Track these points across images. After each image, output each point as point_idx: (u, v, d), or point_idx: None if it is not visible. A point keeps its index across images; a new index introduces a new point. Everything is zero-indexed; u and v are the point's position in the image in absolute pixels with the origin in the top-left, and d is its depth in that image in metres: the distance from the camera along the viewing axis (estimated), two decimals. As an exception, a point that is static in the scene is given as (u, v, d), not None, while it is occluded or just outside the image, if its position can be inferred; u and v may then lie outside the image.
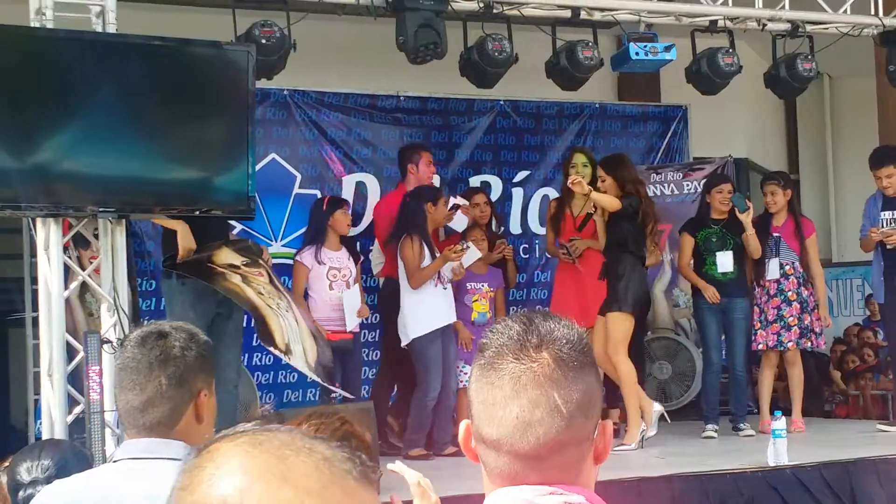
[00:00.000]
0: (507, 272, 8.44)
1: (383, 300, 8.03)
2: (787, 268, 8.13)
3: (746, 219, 7.97)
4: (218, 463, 1.08)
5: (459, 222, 8.18)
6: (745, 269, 8.16)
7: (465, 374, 7.75)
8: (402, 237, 7.49)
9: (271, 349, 6.48)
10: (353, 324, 7.44)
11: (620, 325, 7.39)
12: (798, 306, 8.10)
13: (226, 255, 6.36)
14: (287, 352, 6.42)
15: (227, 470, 1.07)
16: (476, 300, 7.90)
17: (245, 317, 6.82)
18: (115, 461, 2.44)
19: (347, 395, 7.23)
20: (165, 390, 2.38)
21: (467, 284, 7.88)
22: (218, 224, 6.60)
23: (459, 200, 8.19)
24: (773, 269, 8.09)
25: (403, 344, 7.51)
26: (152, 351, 2.41)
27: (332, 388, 7.00)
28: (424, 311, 7.44)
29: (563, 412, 1.56)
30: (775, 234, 8.15)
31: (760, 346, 8.16)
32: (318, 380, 6.78)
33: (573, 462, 1.59)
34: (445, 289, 7.54)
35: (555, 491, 1.57)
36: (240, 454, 1.08)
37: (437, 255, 7.45)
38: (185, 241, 6.29)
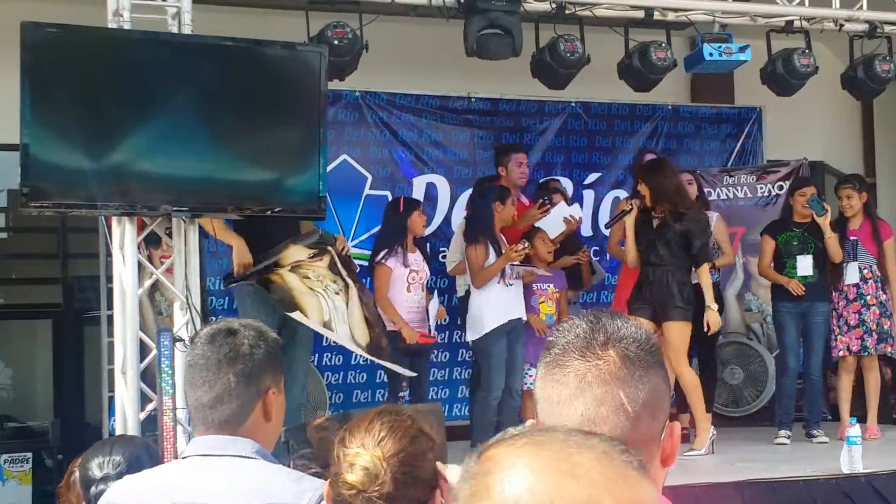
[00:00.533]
0: (583, 274, 8.38)
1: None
2: (866, 271, 7.98)
3: (824, 222, 7.84)
4: (503, 467, 1.13)
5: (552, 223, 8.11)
6: (826, 274, 8.02)
7: (531, 376, 7.72)
8: (470, 238, 7.50)
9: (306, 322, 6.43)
10: (434, 328, 7.47)
11: (680, 333, 7.28)
12: (877, 310, 7.95)
13: (293, 253, 6.40)
14: (328, 328, 6.44)
15: (514, 472, 1.11)
16: (542, 301, 7.88)
17: None
18: (184, 457, 2.45)
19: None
20: (234, 387, 2.39)
21: (533, 286, 7.86)
22: (280, 232, 6.59)
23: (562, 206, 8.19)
24: (851, 274, 7.95)
25: (468, 340, 7.53)
26: (221, 348, 2.41)
27: (393, 367, 6.90)
28: (489, 309, 7.43)
29: (628, 411, 1.54)
30: (852, 238, 8.01)
31: (842, 353, 8.00)
32: (375, 359, 6.75)
33: None
34: (510, 285, 7.51)
35: None
36: (524, 455, 1.13)
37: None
38: (240, 256, 6.37)
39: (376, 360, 6.83)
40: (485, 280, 7.42)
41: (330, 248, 6.55)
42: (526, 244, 7.51)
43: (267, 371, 2.44)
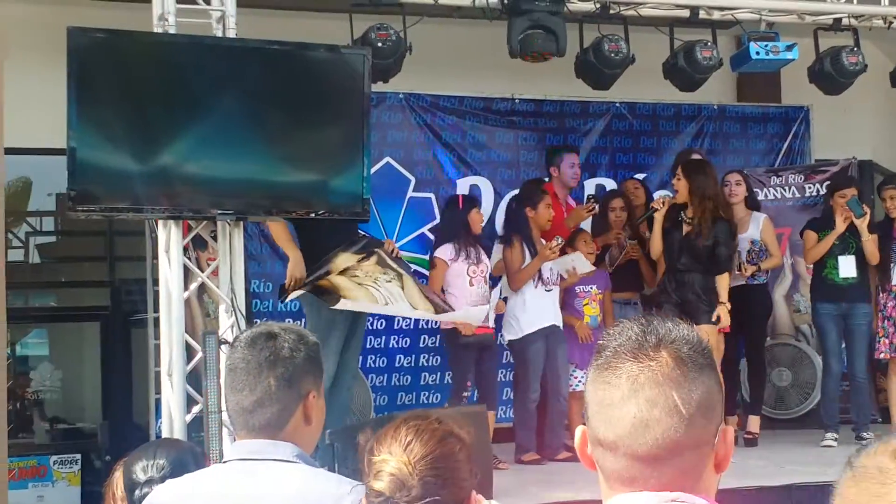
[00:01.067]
0: (644, 274, 8.27)
1: None
2: None
3: (862, 224, 7.73)
4: None
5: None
6: (868, 275, 7.92)
7: (577, 378, 7.69)
8: (506, 240, 7.51)
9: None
10: (492, 319, 7.42)
11: (713, 337, 7.28)
12: None
13: (343, 261, 6.42)
14: (386, 304, 6.50)
15: None
16: (586, 304, 7.83)
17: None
18: (225, 462, 2.45)
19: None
20: (275, 391, 2.38)
21: (576, 288, 7.83)
22: (341, 239, 6.62)
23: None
24: None
25: (505, 341, 7.54)
26: (262, 352, 2.40)
27: (465, 317, 6.94)
28: (525, 312, 7.43)
29: (682, 412, 1.51)
30: None
31: (883, 354, 7.90)
32: (444, 317, 6.84)
33: (693, 466, 1.53)
34: (549, 290, 7.48)
35: (677, 498, 1.51)
36: None
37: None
38: (294, 270, 6.41)
39: (447, 319, 6.83)
40: (521, 282, 7.42)
41: (377, 249, 6.57)
42: (559, 240, 7.47)
43: (307, 374, 2.43)
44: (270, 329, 2.46)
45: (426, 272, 7.77)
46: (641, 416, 1.51)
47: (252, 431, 2.39)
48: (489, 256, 7.59)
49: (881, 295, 7.93)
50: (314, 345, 2.49)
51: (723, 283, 7.48)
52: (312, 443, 2.47)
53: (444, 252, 7.35)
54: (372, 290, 6.42)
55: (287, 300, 6.71)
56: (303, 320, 6.96)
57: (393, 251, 6.79)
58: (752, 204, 8.25)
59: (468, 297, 7.33)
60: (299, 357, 2.42)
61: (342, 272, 6.42)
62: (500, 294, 7.48)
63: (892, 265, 7.86)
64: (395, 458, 2.03)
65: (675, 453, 1.52)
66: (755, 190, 8.79)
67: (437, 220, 8.41)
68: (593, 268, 7.70)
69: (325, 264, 6.40)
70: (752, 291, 8.08)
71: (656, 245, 7.58)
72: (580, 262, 7.60)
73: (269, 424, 2.37)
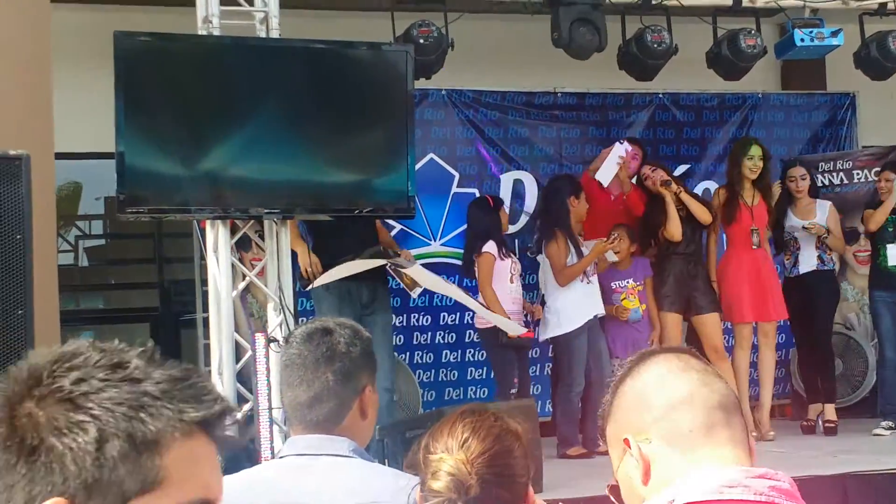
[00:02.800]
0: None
1: None
2: None
3: None
4: None
5: None
6: None
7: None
8: (548, 235, 7.45)
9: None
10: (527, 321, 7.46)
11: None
12: None
13: (357, 267, 6.48)
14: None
15: None
16: (623, 298, 7.72)
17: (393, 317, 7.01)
18: (281, 457, 2.47)
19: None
20: (332, 386, 2.39)
21: (611, 284, 7.71)
22: (356, 240, 6.65)
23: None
24: None
25: (544, 338, 7.51)
26: (319, 347, 2.42)
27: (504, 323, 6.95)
28: (571, 307, 7.37)
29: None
30: None
31: None
32: (487, 316, 6.87)
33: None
34: (590, 282, 7.47)
35: (765, 473, 1.60)
36: None
37: (583, 250, 7.40)
38: (304, 261, 6.51)
39: (489, 317, 6.86)
40: (571, 277, 7.36)
41: (392, 259, 6.63)
42: (614, 235, 7.45)
43: (363, 369, 2.45)
44: (326, 325, 2.47)
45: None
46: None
47: (309, 426, 2.40)
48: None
49: None
50: (368, 339, 2.50)
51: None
52: (367, 436, 2.49)
53: (491, 247, 7.31)
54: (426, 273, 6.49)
55: (310, 287, 6.72)
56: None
57: (408, 258, 6.89)
58: (815, 192, 8.18)
59: (509, 293, 7.33)
60: (356, 352, 2.43)
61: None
62: (538, 299, 7.48)
63: None
64: (452, 456, 1.99)
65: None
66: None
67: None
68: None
69: (339, 263, 6.47)
70: (821, 277, 8.02)
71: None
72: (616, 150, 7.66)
73: (326, 419, 2.39)
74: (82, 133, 7.41)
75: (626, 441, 1.69)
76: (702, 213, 7.62)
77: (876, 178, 8.31)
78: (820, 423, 7.96)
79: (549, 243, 7.43)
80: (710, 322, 7.59)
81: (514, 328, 7.00)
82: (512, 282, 7.34)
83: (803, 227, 7.87)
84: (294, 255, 6.49)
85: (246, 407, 5.78)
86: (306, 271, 6.53)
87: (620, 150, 7.71)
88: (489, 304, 7.09)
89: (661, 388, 1.68)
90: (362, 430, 2.45)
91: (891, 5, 7.72)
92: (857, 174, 9.43)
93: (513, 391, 7.23)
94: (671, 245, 7.61)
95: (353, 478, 2.32)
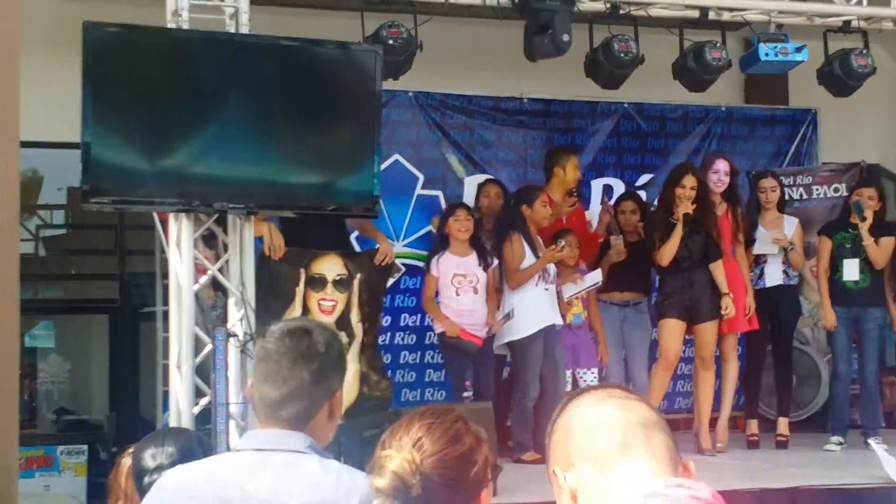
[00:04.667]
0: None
1: None
2: None
3: (864, 228, 7.73)
4: None
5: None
6: (881, 276, 7.90)
7: (585, 381, 7.71)
8: (502, 238, 7.49)
9: None
10: (484, 333, 7.43)
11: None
12: None
13: (325, 265, 6.50)
14: None
15: None
16: (568, 301, 7.79)
17: None
18: (238, 450, 2.47)
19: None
20: (307, 386, 2.39)
21: (562, 287, 7.79)
22: (326, 241, 6.69)
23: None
24: None
25: (501, 343, 7.52)
26: (298, 345, 2.41)
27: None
28: (528, 311, 7.41)
29: None
30: None
31: None
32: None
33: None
34: (547, 289, 7.51)
35: (684, 483, 1.62)
36: None
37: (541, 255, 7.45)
38: (268, 241, 6.41)
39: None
40: (521, 281, 7.40)
41: (359, 276, 6.61)
42: (562, 243, 7.50)
43: (337, 372, 2.46)
44: (304, 324, 2.48)
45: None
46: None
47: (278, 423, 2.39)
48: (487, 264, 7.57)
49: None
50: (341, 344, 2.52)
51: (720, 274, 7.57)
52: (330, 436, 2.49)
53: (430, 264, 7.49)
54: None
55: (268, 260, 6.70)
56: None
57: (384, 259, 6.86)
58: (783, 207, 8.26)
59: (454, 307, 7.39)
60: (333, 354, 2.44)
61: (314, 291, 6.52)
62: (505, 310, 7.51)
63: None
64: (400, 455, 1.97)
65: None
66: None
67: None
68: (601, 278, 7.74)
69: (313, 250, 6.50)
70: (784, 292, 8.11)
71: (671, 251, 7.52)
72: (591, 278, 7.70)
73: (297, 417, 2.38)
74: (44, 123, 7.35)
75: (554, 473, 1.75)
76: None
77: (846, 196, 8.42)
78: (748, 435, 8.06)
79: (504, 246, 7.47)
80: (705, 330, 7.56)
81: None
82: (458, 294, 7.38)
83: (772, 240, 7.95)
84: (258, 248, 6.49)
85: (203, 401, 5.78)
86: (269, 249, 6.46)
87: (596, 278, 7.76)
88: (432, 315, 7.29)
89: (582, 418, 1.74)
90: (327, 430, 2.46)
91: (854, 23, 7.81)
92: (817, 190, 9.54)
93: (466, 394, 7.26)
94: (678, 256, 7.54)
95: (307, 474, 2.31)
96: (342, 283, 6.57)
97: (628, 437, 1.70)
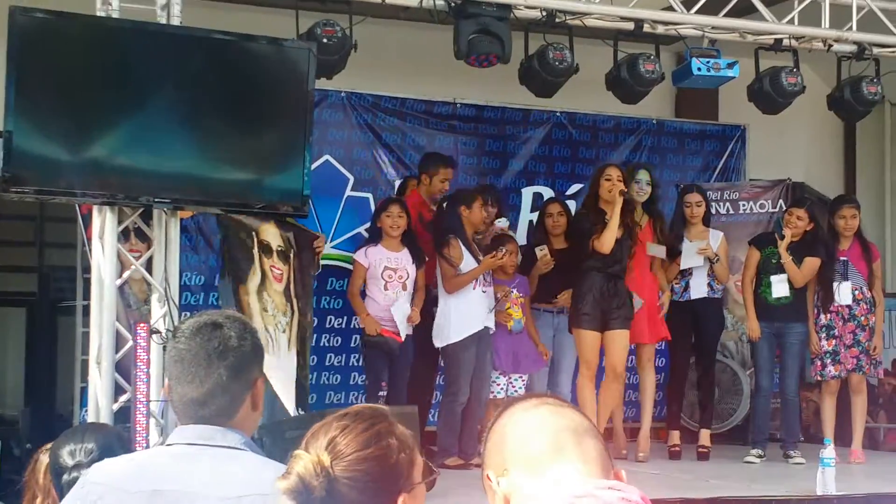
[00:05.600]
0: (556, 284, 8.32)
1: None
2: (857, 293, 7.97)
3: (783, 246, 7.83)
4: None
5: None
6: (805, 294, 8.01)
7: (499, 385, 7.71)
8: (441, 240, 7.46)
9: None
10: (404, 330, 7.41)
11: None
12: (869, 332, 7.97)
13: (269, 233, 6.60)
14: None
15: None
16: (509, 307, 7.76)
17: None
18: (169, 444, 2.41)
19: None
20: (225, 382, 2.34)
21: (497, 293, 7.78)
22: None
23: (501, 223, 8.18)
24: (844, 294, 7.91)
25: (438, 345, 7.49)
26: (210, 342, 2.35)
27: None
28: (463, 315, 7.40)
29: None
30: (842, 259, 7.98)
31: (838, 373, 7.93)
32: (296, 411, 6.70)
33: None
34: (485, 292, 7.50)
35: (615, 485, 1.65)
36: None
37: (480, 258, 7.44)
38: None
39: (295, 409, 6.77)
40: (458, 286, 7.38)
41: (292, 253, 6.68)
42: (503, 250, 7.50)
43: (254, 362, 2.41)
44: (214, 319, 2.41)
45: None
46: None
47: (200, 422, 2.34)
48: (420, 262, 7.54)
49: (824, 316, 7.99)
50: (256, 332, 2.47)
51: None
52: (255, 427, 2.45)
53: (359, 253, 7.50)
54: (270, 342, 6.49)
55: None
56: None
57: (317, 248, 7.01)
58: (709, 221, 8.33)
59: (381, 301, 7.39)
60: (247, 346, 2.39)
61: (259, 292, 6.51)
62: (408, 306, 7.48)
63: (836, 285, 7.92)
64: (309, 455, 1.92)
65: None
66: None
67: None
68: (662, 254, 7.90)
69: (255, 220, 6.57)
70: (709, 305, 8.18)
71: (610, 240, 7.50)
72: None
73: (219, 414, 2.34)
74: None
75: (487, 478, 1.76)
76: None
77: (773, 212, 8.55)
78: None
79: (442, 249, 7.45)
80: (614, 338, 7.55)
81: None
82: (387, 289, 7.35)
83: (697, 250, 8.01)
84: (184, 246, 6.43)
85: (123, 398, 5.66)
86: None
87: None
88: (354, 308, 7.30)
89: (515, 425, 1.76)
90: (252, 421, 2.42)
91: (786, 42, 7.91)
92: (743, 205, 9.66)
93: (381, 394, 7.24)
94: (594, 261, 7.54)
95: (243, 469, 2.28)
96: (283, 255, 6.71)
97: (560, 442, 1.72)
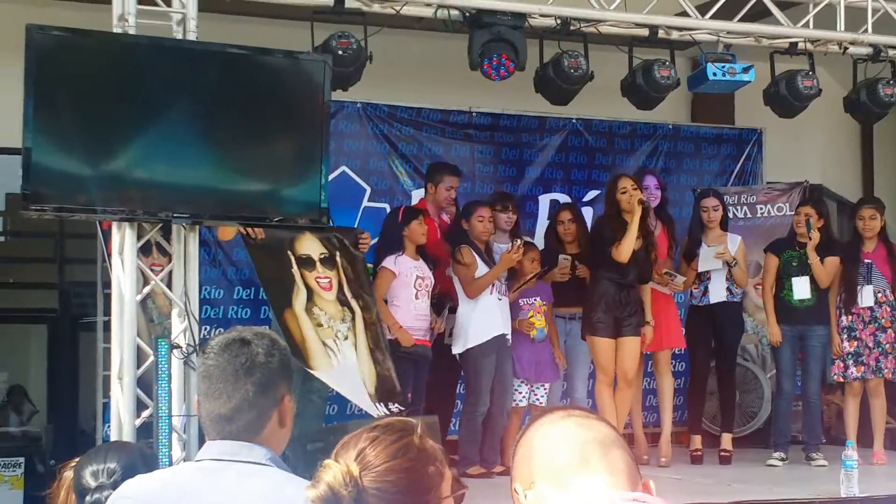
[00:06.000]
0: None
1: None
2: (880, 295, 7.94)
3: (811, 247, 7.81)
4: None
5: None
6: (826, 297, 7.98)
7: (521, 393, 7.70)
8: (455, 250, 7.51)
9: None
10: (429, 336, 7.45)
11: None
12: (893, 334, 7.94)
13: (306, 245, 6.52)
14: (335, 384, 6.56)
15: None
16: (532, 316, 7.78)
17: None
18: (197, 460, 2.44)
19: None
20: (252, 398, 2.38)
21: (519, 301, 7.78)
22: None
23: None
24: (867, 297, 7.89)
25: (456, 352, 7.50)
26: (237, 359, 2.39)
27: (393, 408, 6.83)
28: (480, 320, 7.41)
29: None
30: (867, 261, 7.95)
31: (861, 374, 7.91)
32: (379, 410, 6.65)
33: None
34: (500, 299, 7.51)
35: (639, 497, 1.65)
36: None
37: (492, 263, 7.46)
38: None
39: (382, 409, 6.73)
40: (480, 289, 7.41)
41: (338, 255, 6.61)
42: (518, 242, 7.50)
43: (282, 379, 2.44)
44: (243, 335, 2.44)
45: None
46: None
47: (228, 438, 2.38)
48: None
49: (845, 318, 7.96)
50: (285, 349, 2.49)
51: (647, 298, 7.77)
52: (284, 444, 2.48)
53: (389, 262, 7.37)
54: (332, 355, 6.51)
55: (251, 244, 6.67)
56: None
57: (360, 246, 6.96)
58: (726, 225, 8.32)
59: (413, 310, 7.35)
60: (274, 362, 2.42)
61: (308, 308, 6.49)
62: (446, 312, 7.50)
63: (859, 287, 7.91)
64: (338, 466, 1.94)
65: None
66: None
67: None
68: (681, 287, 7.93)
69: (292, 232, 6.52)
70: (728, 309, 8.16)
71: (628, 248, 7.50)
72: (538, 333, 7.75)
73: (246, 430, 2.37)
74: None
75: (515, 491, 1.76)
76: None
77: (790, 215, 8.53)
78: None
79: (456, 257, 7.49)
80: (625, 345, 7.56)
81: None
82: (417, 297, 7.35)
83: (715, 254, 8.00)
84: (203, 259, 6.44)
85: (145, 413, 5.68)
86: (246, 230, 6.44)
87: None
88: (382, 317, 7.13)
89: (542, 438, 1.76)
90: (280, 437, 2.45)
91: (801, 45, 7.90)
92: (761, 209, 9.64)
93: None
94: (609, 270, 7.54)
95: (266, 484, 2.30)
96: (328, 261, 6.65)
97: (586, 454, 1.71)
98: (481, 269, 7.44)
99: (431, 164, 8.49)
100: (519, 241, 7.57)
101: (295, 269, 6.55)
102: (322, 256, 6.67)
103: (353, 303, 6.72)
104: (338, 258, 6.74)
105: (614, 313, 7.51)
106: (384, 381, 6.73)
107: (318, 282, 6.64)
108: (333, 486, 1.91)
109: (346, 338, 6.56)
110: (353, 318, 6.67)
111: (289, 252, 6.56)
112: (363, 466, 1.94)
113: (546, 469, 1.72)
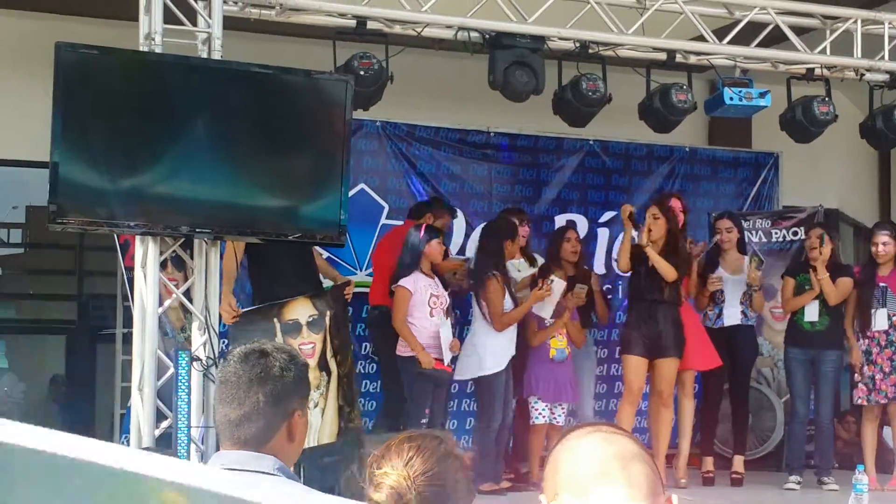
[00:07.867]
0: (598, 310, 8.41)
1: (373, 327, 8.12)
2: (894, 318, 7.95)
3: (821, 266, 7.83)
4: None
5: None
6: (839, 320, 8.01)
7: (537, 410, 7.75)
8: (485, 277, 7.51)
9: None
10: (448, 357, 7.46)
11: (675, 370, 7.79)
12: None
13: (295, 310, 6.49)
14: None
15: None
16: (552, 338, 7.85)
17: None
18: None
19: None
20: (262, 407, 2.47)
21: (545, 321, 7.86)
22: (295, 266, 6.77)
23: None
24: (880, 320, 7.91)
25: (466, 378, 7.63)
26: (253, 368, 2.49)
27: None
28: (496, 346, 7.49)
29: None
30: (881, 284, 7.96)
31: (860, 400, 7.94)
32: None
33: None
34: (514, 326, 7.62)
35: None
36: None
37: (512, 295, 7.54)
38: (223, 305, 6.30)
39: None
40: (507, 324, 7.49)
41: (328, 315, 6.62)
42: (551, 280, 7.55)
43: (295, 394, 2.52)
44: (263, 347, 2.54)
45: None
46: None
47: (237, 443, 2.47)
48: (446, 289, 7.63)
49: (862, 341, 7.98)
50: (304, 365, 2.57)
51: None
52: (293, 459, 2.56)
53: (407, 281, 7.41)
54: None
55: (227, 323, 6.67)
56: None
57: (347, 294, 6.96)
58: (743, 247, 8.36)
59: (429, 327, 7.39)
60: (289, 376, 2.51)
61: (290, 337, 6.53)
62: (455, 334, 7.55)
63: (873, 311, 7.93)
64: (395, 472, 2.11)
65: None
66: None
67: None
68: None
69: (281, 298, 6.50)
70: (742, 332, 8.22)
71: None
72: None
73: (253, 438, 2.46)
74: (2, 139, 7.33)
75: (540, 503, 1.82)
76: (667, 272, 7.65)
77: (804, 238, 8.56)
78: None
79: (487, 286, 7.50)
80: (662, 366, 7.64)
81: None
82: (432, 315, 7.39)
83: (747, 280, 8.05)
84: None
85: (164, 424, 5.75)
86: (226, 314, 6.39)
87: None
88: (403, 337, 7.23)
89: (567, 452, 1.82)
90: (289, 452, 2.52)
91: (818, 71, 7.95)
92: (776, 233, 9.66)
93: (423, 420, 7.28)
94: (634, 287, 7.75)
95: None
96: (315, 324, 6.58)
97: (606, 467, 1.76)
98: (507, 302, 7.52)
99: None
100: (551, 280, 7.61)
101: (279, 337, 6.37)
102: (311, 319, 6.58)
103: (332, 363, 6.66)
104: (327, 317, 6.64)
105: (648, 332, 7.57)
106: (346, 435, 6.70)
107: (301, 349, 6.58)
108: (398, 489, 2.08)
109: (315, 405, 6.57)
110: (329, 381, 6.62)
111: (274, 320, 6.45)
112: (413, 472, 2.12)
113: (569, 481, 1.78)
